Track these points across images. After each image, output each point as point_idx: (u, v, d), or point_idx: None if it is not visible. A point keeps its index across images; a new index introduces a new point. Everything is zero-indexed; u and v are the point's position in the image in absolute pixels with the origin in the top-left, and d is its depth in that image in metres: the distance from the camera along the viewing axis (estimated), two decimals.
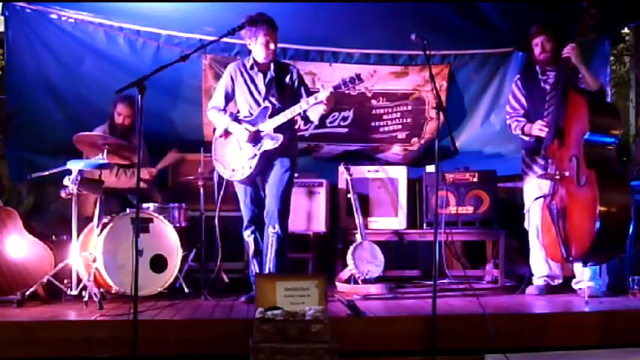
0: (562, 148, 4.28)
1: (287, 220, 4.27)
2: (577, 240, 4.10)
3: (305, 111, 4.20)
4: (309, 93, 4.29)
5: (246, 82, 4.31)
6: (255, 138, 4.20)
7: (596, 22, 4.32)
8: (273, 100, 4.26)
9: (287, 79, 4.31)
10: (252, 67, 4.29)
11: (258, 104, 4.27)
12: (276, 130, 4.18)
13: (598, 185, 3.96)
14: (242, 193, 4.37)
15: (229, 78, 4.35)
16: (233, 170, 4.30)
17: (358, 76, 4.04)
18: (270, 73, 4.28)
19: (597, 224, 3.92)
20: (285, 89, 4.30)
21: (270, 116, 4.20)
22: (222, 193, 4.44)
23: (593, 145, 4.13)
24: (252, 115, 4.28)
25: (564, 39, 4.37)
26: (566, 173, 4.19)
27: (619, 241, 4.12)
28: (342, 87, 4.07)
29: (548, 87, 4.56)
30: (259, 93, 4.29)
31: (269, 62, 4.27)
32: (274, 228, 4.17)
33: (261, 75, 4.28)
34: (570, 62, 4.31)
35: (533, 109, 4.58)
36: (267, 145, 4.19)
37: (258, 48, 4.21)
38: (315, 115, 4.22)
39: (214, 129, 4.51)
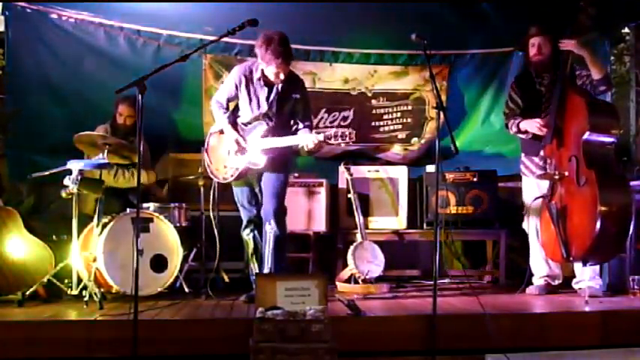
0: (561, 148, 4.28)
1: (284, 217, 4.27)
2: (577, 240, 4.10)
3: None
4: (306, 116, 4.27)
5: (249, 92, 4.25)
6: (242, 152, 4.22)
7: (593, 21, 4.32)
8: (271, 116, 4.22)
9: (293, 95, 4.25)
10: (259, 80, 4.22)
11: (256, 118, 4.24)
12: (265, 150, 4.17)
13: (598, 185, 3.96)
14: (239, 193, 4.40)
15: (234, 84, 4.29)
16: (216, 170, 4.35)
17: (350, 134, 3.95)
18: (277, 89, 4.21)
19: (597, 224, 3.92)
20: (286, 105, 4.25)
21: (262, 135, 4.18)
22: (215, 191, 4.50)
23: (592, 145, 4.13)
24: (248, 124, 4.27)
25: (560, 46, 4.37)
26: (566, 173, 4.19)
27: (619, 241, 4.12)
28: (332, 140, 3.97)
29: (543, 89, 4.55)
30: (259, 106, 4.24)
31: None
32: (271, 224, 4.18)
33: (266, 89, 4.22)
34: (571, 55, 4.30)
35: (529, 111, 4.58)
36: (250, 163, 4.20)
37: (268, 71, 4.14)
38: (304, 152, 4.24)
39: None
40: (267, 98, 4.23)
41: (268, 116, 4.22)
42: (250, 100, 4.26)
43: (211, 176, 4.43)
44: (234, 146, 4.22)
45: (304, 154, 4.24)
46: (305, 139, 4.09)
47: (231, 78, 4.36)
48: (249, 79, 4.25)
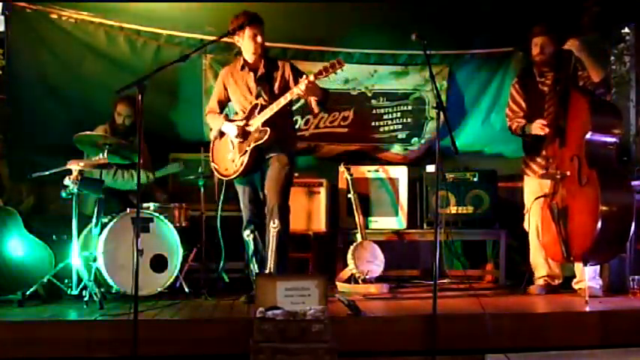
0: (563, 148, 4.28)
1: (287, 215, 4.28)
2: (578, 239, 4.11)
3: (296, 102, 4.21)
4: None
5: (237, 83, 4.35)
6: (244, 133, 4.23)
7: (596, 20, 4.32)
8: (265, 96, 4.27)
9: (278, 75, 4.32)
10: (242, 68, 4.34)
11: (251, 103, 4.30)
12: (266, 124, 4.18)
13: (599, 185, 3.97)
14: (241, 192, 4.41)
15: (222, 85, 4.43)
16: (226, 169, 4.35)
17: (339, 61, 4.01)
18: (261, 70, 4.31)
19: (599, 224, 3.92)
20: (276, 84, 4.31)
21: (259, 112, 4.22)
22: (222, 194, 4.48)
23: (594, 145, 4.13)
24: (245, 114, 4.31)
25: (564, 41, 4.37)
26: (568, 173, 4.19)
27: (620, 241, 4.13)
28: (324, 73, 4.03)
29: (546, 88, 4.56)
30: (250, 92, 4.32)
31: (259, 58, 4.29)
32: (274, 223, 4.18)
33: (252, 74, 4.32)
34: (573, 56, 4.31)
35: (532, 111, 4.58)
36: (256, 140, 4.20)
37: (246, 43, 4.25)
38: (314, 104, 4.23)
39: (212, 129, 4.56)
40: (255, 80, 4.30)
41: (261, 95, 4.26)
42: (241, 90, 4.34)
43: (223, 178, 4.41)
44: (234, 132, 4.23)
45: (309, 102, 4.23)
46: (296, 88, 4.10)
47: (218, 80, 4.50)
48: (234, 73, 4.38)
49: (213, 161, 4.48)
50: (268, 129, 4.16)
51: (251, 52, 4.27)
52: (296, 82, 4.24)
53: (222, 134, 4.40)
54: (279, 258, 4.18)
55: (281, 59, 4.52)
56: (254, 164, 4.27)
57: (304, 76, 4.09)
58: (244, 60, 4.34)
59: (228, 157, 4.35)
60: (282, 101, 4.15)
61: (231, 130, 4.27)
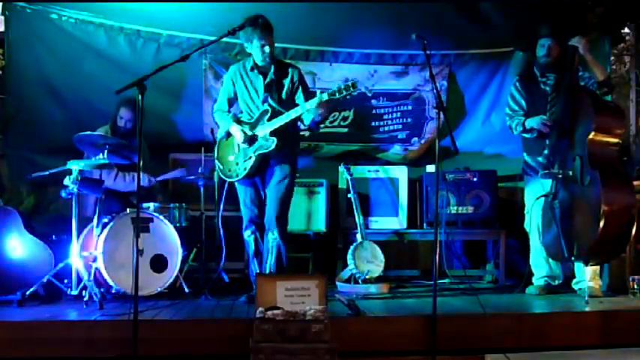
0: (565, 148, 4.27)
1: (286, 227, 4.29)
2: (580, 240, 4.10)
3: (301, 115, 4.20)
4: (308, 96, 4.28)
5: (245, 84, 4.33)
6: (251, 141, 4.22)
7: (600, 20, 4.33)
8: (272, 102, 4.26)
9: (287, 81, 4.31)
10: (252, 70, 4.31)
11: (258, 107, 4.28)
12: (273, 133, 4.18)
13: (602, 185, 3.96)
14: (242, 193, 4.39)
15: (230, 82, 4.38)
16: (229, 170, 4.34)
17: (353, 84, 4.01)
18: (271, 75, 4.28)
19: (601, 224, 3.91)
20: (284, 91, 4.30)
21: (268, 120, 4.20)
22: (224, 193, 4.48)
23: (597, 145, 4.13)
24: (252, 117, 4.30)
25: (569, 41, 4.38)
26: (570, 172, 4.19)
27: (621, 242, 4.12)
28: (337, 94, 4.03)
29: (548, 89, 4.55)
30: (258, 96, 4.29)
31: (269, 64, 4.27)
32: (273, 234, 4.19)
33: (261, 77, 4.29)
34: (576, 55, 4.30)
35: (534, 111, 4.57)
36: (262, 148, 4.19)
37: (254, 51, 4.22)
38: (308, 120, 4.22)
39: (212, 129, 4.54)
40: (263, 85, 4.27)
41: (268, 102, 4.25)
42: (249, 92, 4.32)
43: (225, 179, 4.39)
44: (241, 138, 4.22)
45: (313, 127, 4.24)
46: (308, 103, 4.10)
47: (227, 78, 4.44)
48: (243, 73, 4.34)
49: (217, 159, 4.47)
50: (275, 139, 4.15)
51: (260, 60, 4.25)
52: (305, 92, 4.28)
53: (228, 134, 4.39)
54: (278, 267, 4.20)
55: (291, 64, 4.49)
56: (257, 170, 4.27)
57: (318, 95, 4.07)
58: (254, 62, 4.30)
59: (232, 159, 4.34)
60: (293, 114, 4.14)
61: (237, 134, 4.25)
